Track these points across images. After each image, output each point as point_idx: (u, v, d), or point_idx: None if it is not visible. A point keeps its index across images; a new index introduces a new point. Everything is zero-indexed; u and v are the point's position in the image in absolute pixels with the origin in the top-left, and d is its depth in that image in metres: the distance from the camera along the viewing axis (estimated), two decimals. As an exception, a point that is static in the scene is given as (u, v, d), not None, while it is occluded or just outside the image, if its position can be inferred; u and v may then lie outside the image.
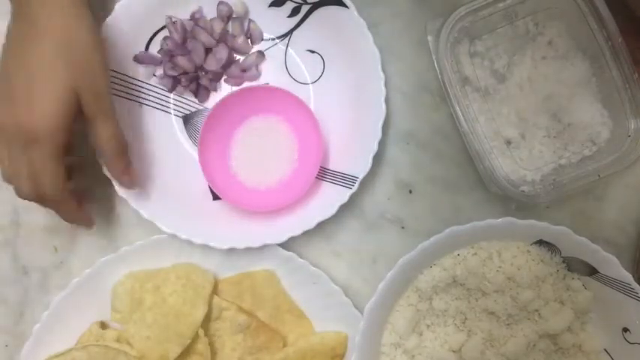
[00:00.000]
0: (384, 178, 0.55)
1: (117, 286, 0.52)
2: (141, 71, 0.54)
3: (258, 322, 0.52)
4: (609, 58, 0.50)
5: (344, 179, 0.52)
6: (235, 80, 0.55)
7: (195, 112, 0.55)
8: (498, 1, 0.50)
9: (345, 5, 0.51)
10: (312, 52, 0.55)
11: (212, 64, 0.54)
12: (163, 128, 0.55)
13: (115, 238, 0.55)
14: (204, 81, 0.55)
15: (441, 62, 0.50)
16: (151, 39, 0.54)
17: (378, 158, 0.54)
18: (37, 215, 0.55)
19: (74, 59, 0.44)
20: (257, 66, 0.55)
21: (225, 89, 0.55)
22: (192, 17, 0.54)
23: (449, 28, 0.50)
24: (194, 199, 0.54)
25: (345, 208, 0.54)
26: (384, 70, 0.52)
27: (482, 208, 0.54)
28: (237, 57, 0.55)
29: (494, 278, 0.49)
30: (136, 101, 0.54)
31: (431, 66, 0.51)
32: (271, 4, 0.54)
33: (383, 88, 0.51)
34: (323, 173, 0.53)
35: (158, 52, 0.54)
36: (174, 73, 0.54)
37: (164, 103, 0.55)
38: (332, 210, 0.51)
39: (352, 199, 0.54)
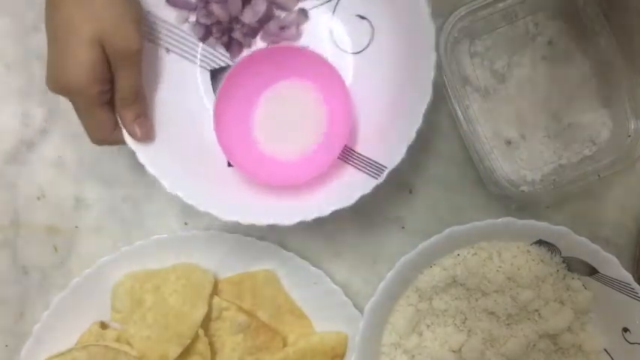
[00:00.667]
0: (384, 178, 0.54)
1: (117, 286, 0.52)
2: (173, 15, 0.50)
3: (258, 322, 0.52)
4: (609, 58, 0.50)
5: (371, 167, 0.48)
6: (272, 38, 0.51)
7: (224, 67, 0.51)
8: (498, 1, 0.50)
9: None
10: (362, 18, 0.49)
11: (248, 17, 0.50)
12: (188, 80, 0.51)
13: (115, 238, 0.55)
14: (237, 34, 0.51)
15: (440, 62, 0.50)
16: None
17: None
18: (37, 215, 0.55)
19: (96, 11, 0.44)
20: (298, 25, 0.50)
21: (259, 46, 0.51)
22: None
23: (449, 28, 0.50)
24: (206, 161, 0.50)
25: (345, 208, 0.54)
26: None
27: (482, 208, 0.54)
28: (278, 13, 0.51)
29: (494, 278, 0.49)
30: (164, 47, 0.50)
31: (431, 66, 0.51)
32: None
33: (433, 68, 0.46)
34: (348, 155, 0.49)
35: None
36: (207, 22, 0.50)
37: (192, 53, 0.51)
38: (350, 200, 0.46)
39: (352, 199, 0.54)
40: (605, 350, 0.50)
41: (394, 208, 0.54)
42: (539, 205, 0.54)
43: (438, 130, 0.55)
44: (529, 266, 0.49)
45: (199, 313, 0.51)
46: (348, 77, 0.51)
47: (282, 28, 0.50)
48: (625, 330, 0.49)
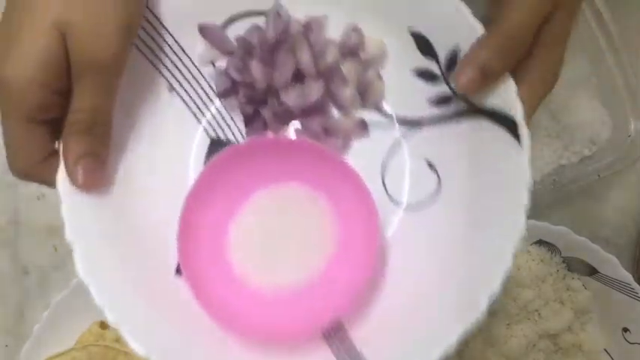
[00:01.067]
0: None
1: None
2: (199, 49, 0.37)
3: None
4: (609, 57, 0.50)
5: None
6: (308, 135, 0.36)
7: (230, 143, 0.37)
8: (498, 1, 0.50)
9: (517, 139, 0.33)
10: (431, 167, 0.35)
11: (292, 98, 0.36)
12: (183, 137, 0.37)
13: None
14: (267, 112, 0.36)
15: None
16: (233, 18, 0.36)
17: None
18: (38, 215, 0.55)
19: None
20: (348, 139, 0.36)
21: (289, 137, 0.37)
22: (306, 24, 0.36)
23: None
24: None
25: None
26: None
27: (483, 208, 0.54)
28: (331, 111, 0.37)
29: (494, 278, 0.49)
30: (168, 82, 0.36)
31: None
32: (417, 71, 0.35)
33: (516, 243, 0.31)
34: (337, 338, 0.32)
35: (236, 39, 0.37)
36: (238, 78, 0.36)
37: (201, 107, 0.37)
38: None
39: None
40: (605, 350, 0.50)
41: (394, 208, 0.54)
42: (539, 205, 0.54)
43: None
44: (529, 266, 0.49)
45: None
46: (384, 236, 0.35)
47: (328, 131, 0.36)
48: (625, 330, 0.49)
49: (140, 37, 0.35)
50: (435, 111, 0.35)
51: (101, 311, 0.31)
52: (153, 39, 0.35)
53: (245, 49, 0.36)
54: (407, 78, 0.35)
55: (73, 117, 0.32)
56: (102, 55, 0.31)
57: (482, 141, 0.33)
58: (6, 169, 0.33)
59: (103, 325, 0.52)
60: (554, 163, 0.52)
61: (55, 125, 0.32)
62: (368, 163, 0.36)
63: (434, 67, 0.34)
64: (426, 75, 0.35)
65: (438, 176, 0.35)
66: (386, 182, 0.36)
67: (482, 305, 0.30)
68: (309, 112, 0.36)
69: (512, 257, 0.31)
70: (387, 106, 0.36)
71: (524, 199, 0.32)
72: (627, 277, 0.47)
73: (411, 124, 0.36)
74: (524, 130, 0.33)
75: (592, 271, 0.49)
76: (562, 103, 0.52)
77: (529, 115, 0.33)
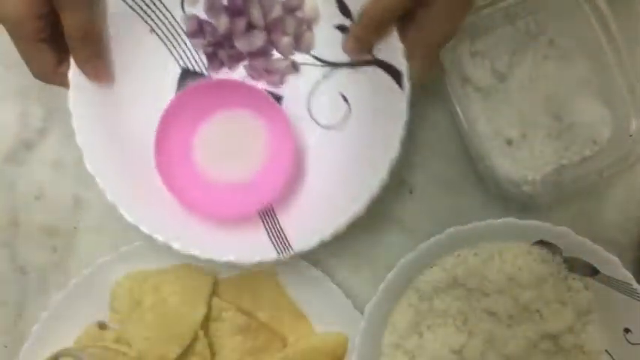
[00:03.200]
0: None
1: (116, 286, 0.52)
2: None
3: (257, 323, 0.52)
4: (611, 57, 0.50)
5: (280, 241, 0.47)
6: (253, 73, 0.49)
7: (198, 73, 0.50)
8: (499, 0, 0.50)
9: (400, 86, 0.45)
10: (345, 99, 0.48)
11: (242, 44, 0.48)
12: (160, 67, 0.49)
13: (114, 238, 0.55)
14: (223, 53, 0.49)
15: (441, 62, 0.50)
16: None
17: (378, 158, 0.54)
18: (36, 215, 0.55)
19: None
20: (283, 75, 0.49)
21: (238, 74, 0.50)
22: None
23: (449, 28, 0.50)
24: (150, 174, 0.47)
25: (345, 209, 0.54)
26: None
27: (483, 208, 0.54)
28: (273, 54, 0.49)
29: (495, 279, 0.49)
30: (150, 25, 0.48)
31: (431, 65, 0.51)
32: (338, 27, 0.47)
33: (390, 162, 0.45)
34: (268, 217, 0.48)
35: None
36: (207, 24, 0.48)
37: (174, 44, 0.49)
38: (250, 260, 0.46)
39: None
40: (607, 351, 0.50)
41: (394, 208, 0.54)
42: (540, 206, 0.54)
43: (438, 130, 0.54)
44: (530, 267, 0.49)
45: (199, 313, 0.51)
46: (305, 145, 0.49)
47: (269, 70, 0.49)
48: (626, 330, 0.49)
49: None
50: (349, 57, 0.47)
51: (103, 192, 0.46)
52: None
53: (213, 3, 0.48)
54: (330, 31, 0.48)
55: (67, 34, 0.43)
56: None
57: (378, 84, 0.46)
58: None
59: (102, 326, 0.52)
60: (555, 163, 0.52)
61: (55, 40, 0.43)
62: (298, 93, 0.49)
63: (349, 24, 0.46)
64: (343, 29, 0.47)
65: (349, 105, 0.49)
66: (310, 107, 0.49)
67: (384, 169, 0.45)
68: (255, 55, 0.49)
69: (389, 166, 0.45)
70: (314, 52, 0.49)
71: (400, 130, 0.45)
72: (629, 277, 0.47)
73: (331, 65, 0.48)
74: (405, 79, 0.44)
75: (593, 272, 0.49)
76: (563, 103, 0.52)
77: (424, 64, 0.45)
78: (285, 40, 0.48)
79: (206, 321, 0.52)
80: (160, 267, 0.52)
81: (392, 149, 0.45)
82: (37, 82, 0.53)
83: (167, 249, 0.48)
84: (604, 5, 0.49)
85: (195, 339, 0.51)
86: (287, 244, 0.47)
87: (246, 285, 0.53)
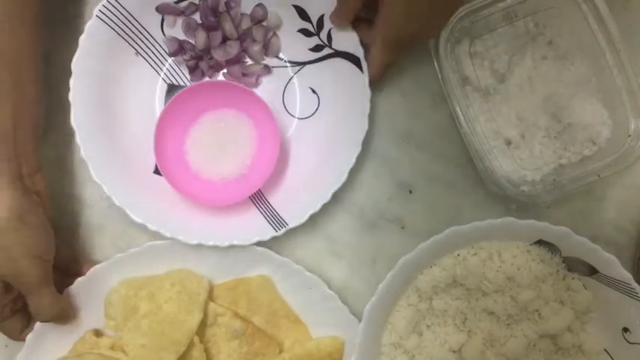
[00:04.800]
0: (384, 178, 0.54)
1: (111, 293, 0.52)
2: (153, 22, 0.54)
3: (253, 328, 0.52)
4: (609, 57, 0.50)
5: (275, 219, 0.52)
6: (232, 79, 0.55)
7: (180, 87, 0.55)
8: (498, 1, 0.50)
9: (361, 70, 0.51)
10: (314, 91, 0.54)
11: (220, 54, 0.54)
12: (148, 86, 0.54)
13: (114, 238, 0.55)
14: (204, 64, 0.54)
15: (441, 62, 0.50)
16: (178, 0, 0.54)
17: (377, 158, 0.54)
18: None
19: None
20: (258, 77, 0.55)
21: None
22: (228, 3, 0.54)
23: (449, 28, 0.50)
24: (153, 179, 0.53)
25: (344, 208, 0.54)
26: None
27: (483, 208, 0.54)
28: (246, 60, 0.55)
29: (494, 278, 0.49)
30: (134, 49, 0.54)
31: (431, 66, 0.51)
32: (300, 30, 0.54)
33: (360, 144, 0.51)
34: (260, 201, 0.53)
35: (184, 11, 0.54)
36: (186, 44, 0.54)
37: (159, 63, 0.55)
38: (247, 241, 0.51)
39: (352, 199, 0.54)
40: (605, 350, 0.50)
41: (394, 208, 0.54)
42: (539, 205, 0.54)
43: (438, 130, 0.55)
44: (529, 266, 0.49)
45: (194, 320, 0.50)
46: (285, 136, 0.55)
47: (245, 74, 0.55)
48: (625, 330, 0.49)
49: (115, 24, 0.52)
50: (313, 55, 0.54)
51: (110, 197, 0.51)
52: (124, 24, 0.52)
53: (193, 25, 0.54)
54: (294, 35, 0.54)
55: (47, 313, 0.48)
56: (34, 280, 0.47)
57: (341, 72, 0.53)
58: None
59: (98, 333, 0.52)
60: (554, 163, 0.52)
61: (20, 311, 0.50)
62: (273, 92, 0.55)
63: (310, 28, 0.53)
64: (305, 32, 0.54)
65: (318, 97, 0.55)
66: (285, 103, 0.55)
67: (358, 143, 0.51)
68: (231, 62, 0.55)
69: (362, 140, 0.51)
70: (282, 55, 0.55)
71: (367, 107, 0.51)
72: (627, 277, 0.47)
73: (298, 64, 0.55)
74: (364, 63, 0.51)
75: (592, 271, 0.49)
76: (562, 104, 0.52)
77: (384, 50, 0.50)
78: (256, 48, 0.54)
79: (202, 326, 0.52)
80: (155, 273, 0.52)
81: (362, 124, 0.51)
82: (39, 82, 0.53)
83: (163, 254, 0.51)
84: (603, 6, 0.49)
85: (191, 345, 0.51)
86: (282, 221, 0.52)
87: (241, 290, 0.53)
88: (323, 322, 0.53)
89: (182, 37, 0.54)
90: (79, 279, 0.51)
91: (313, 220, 0.52)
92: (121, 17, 0.52)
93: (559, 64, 0.52)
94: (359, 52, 0.51)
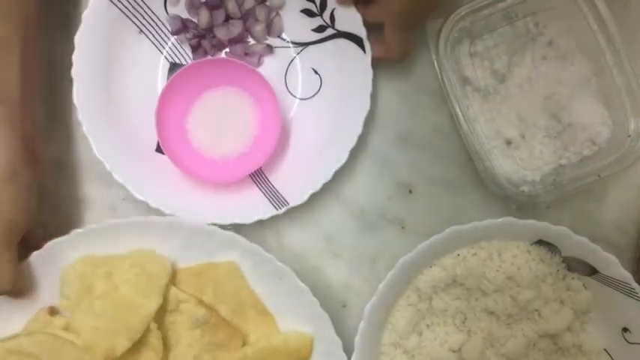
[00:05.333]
0: (384, 178, 0.55)
1: (67, 269, 0.49)
2: (156, 0, 0.53)
3: (217, 318, 0.49)
4: (609, 58, 0.50)
5: (276, 198, 0.52)
6: (234, 57, 0.54)
7: (183, 65, 0.54)
8: (498, 1, 0.50)
9: (364, 50, 0.51)
10: (316, 72, 0.54)
11: (222, 33, 0.54)
12: (150, 64, 0.54)
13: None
14: (207, 43, 0.54)
15: (441, 62, 0.50)
16: None
17: (377, 158, 0.54)
18: (38, 215, 0.54)
19: None
20: (260, 57, 0.55)
21: None
22: None
23: (449, 28, 0.50)
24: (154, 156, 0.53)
25: (344, 208, 0.54)
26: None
27: (482, 208, 0.54)
28: (249, 40, 0.55)
29: (494, 278, 0.49)
30: (138, 27, 0.53)
31: (431, 66, 0.51)
32: (303, 10, 0.54)
33: (362, 123, 0.51)
34: (260, 180, 0.54)
35: None
36: (190, 17, 0.54)
37: (161, 42, 0.54)
38: (248, 220, 0.51)
39: (352, 199, 0.54)
40: (605, 350, 0.50)
41: (394, 208, 0.54)
42: (539, 205, 0.54)
43: (438, 130, 0.55)
44: (529, 266, 0.49)
45: (152, 305, 0.47)
46: (287, 117, 0.54)
47: (247, 54, 0.55)
48: (625, 330, 0.49)
49: (119, 1, 0.52)
50: (316, 35, 0.54)
51: (112, 174, 0.51)
52: (127, 1, 0.52)
53: (193, 2, 0.54)
54: (297, 15, 0.54)
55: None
56: (6, 241, 0.46)
57: (343, 53, 0.53)
58: None
59: (53, 311, 0.50)
60: (554, 163, 0.52)
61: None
62: (275, 72, 0.55)
63: (313, 8, 0.53)
64: (308, 13, 0.54)
65: (320, 78, 0.54)
66: (287, 83, 0.55)
67: (360, 124, 0.51)
68: (234, 42, 0.55)
69: (363, 121, 0.51)
70: (285, 35, 0.55)
71: (369, 87, 0.51)
72: (627, 276, 0.47)
73: (301, 45, 0.55)
74: (367, 43, 0.51)
75: (592, 271, 0.49)
76: (562, 104, 0.52)
77: (395, 26, 0.49)
78: (259, 27, 0.54)
79: (162, 312, 0.48)
80: (116, 252, 0.49)
81: (364, 105, 0.51)
82: (39, 82, 0.53)
83: (126, 232, 0.49)
84: (603, 6, 0.49)
85: (147, 331, 0.47)
86: (283, 200, 0.52)
87: (207, 276, 0.50)
88: (292, 315, 0.50)
89: (185, 15, 0.54)
90: (36, 252, 0.49)
91: (313, 219, 0.52)
92: None
93: (559, 64, 0.52)
94: (362, 33, 0.51)
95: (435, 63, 0.50)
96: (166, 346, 0.49)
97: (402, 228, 0.54)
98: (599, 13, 0.49)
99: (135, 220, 0.49)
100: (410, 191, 0.55)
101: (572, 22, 0.51)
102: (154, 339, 0.48)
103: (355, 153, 0.52)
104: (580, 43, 0.52)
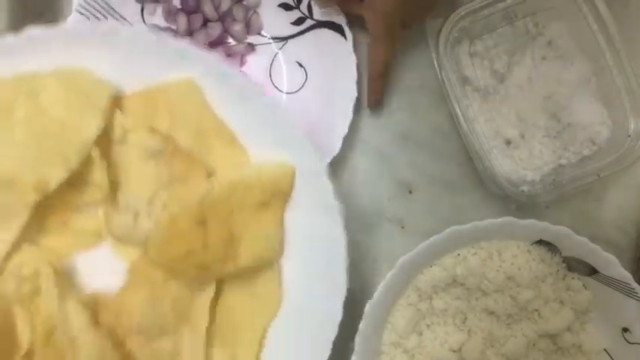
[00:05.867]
0: (384, 178, 0.55)
1: None
2: (133, 12, 0.53)
3: (174, 147, 0.41)
4: (609, 58, 0.50)
5: None
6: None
7: None
8: (498, 1, 0.50)
9: (344, 37, 0.52)
10: (300, 65, 0.54)
11: (202, 37, 0.54)
12: None
13: None
14: None
15: (440, 62, 0.50)
16: None
17: (377, 158, 0.54)
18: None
19: None
20: (243, 57, 0.55)
21: None
22: None
23: (449, 28, 0.50)
24: None
25: (344, 208, 0.54)
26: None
27: (482, 208, 0.54)
28: (229, 41, 0.55)
29: (494, 278, 0.49)
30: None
31: (431, 66, 0.51)
32: (280, 5, 0.54)
33: (351, 113, 0.51)
34: None
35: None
36: (168, 24, 0.54)
37: None
38: None
39: (352, 199, 0.54)
40: (605, 350, 0.50)
41: (394, 208, 0.54)
42: (539, 205, 0.54)
43: (438, 129, 0.55)
44: (529, 266, 0.49)
45: (92, 127, 0.38)
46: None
47: (229, 55, 0.55)
48: (625, 330, 0.49)
49: (95, 17, 0.51)
50: (295, 28, 0.54)
51: None
52: (104, 16, 0.51)
53: (170, 9, 0.54)
54: (275, 10, 0.54)
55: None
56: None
57: (325, 42, 0.53)
58: None
59: None
60: (554, 163, 0.52)
61: None
62: (259, 69, 0.55)
63: (290, 1, 0.54)
64: (286, 7, 0.54)
65: (305, 70, 0.54)
66: (273, 79, 0.55)
67: (349, 110, 0.51)
68: (215, 44, 0.55)
69: (352, 107, 0.51)
70: (265, 32, 0.55)
71: (353, 74, 0.51)
72: (627, 276, 0.47)
73: (281, 39, 0.55)
74: (347, 29, 0.52)
75: (592, 271, 0.49)
76: (562, 103, 0.52)
77: (379, 28, 0.49)
78: (238, 27, 0.55)
79: (106, 142, 0.40)
80: (41, 69, 0.40)
81: (351, 92, 0.51)
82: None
83: (53, 46, 0.40)
84: (602, 6, 0.49)
85: (89, 162, 0.39)
86: None
87: (161, 100, 0.41)
88: (267, 142, 0.42)
89: (163, 24, 0.55)
90: None
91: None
92: (101, 10, 0.52)
93: (559, 64, 0.52)
94: (341, 20, 0.52)
95: (435, 62, 0.50)
96: (114, 182, 0.41)
97: (402, 228, 0.54)
98: (599, 13, 0.49)
99: (63, 28, 0.40)
100: (410, 191, 0.55)
101: (572, 22, 0.51)
102: (98, 171, 0.40)
103: (355, 153, 0.52)
104: (580, 43, 0.52)
